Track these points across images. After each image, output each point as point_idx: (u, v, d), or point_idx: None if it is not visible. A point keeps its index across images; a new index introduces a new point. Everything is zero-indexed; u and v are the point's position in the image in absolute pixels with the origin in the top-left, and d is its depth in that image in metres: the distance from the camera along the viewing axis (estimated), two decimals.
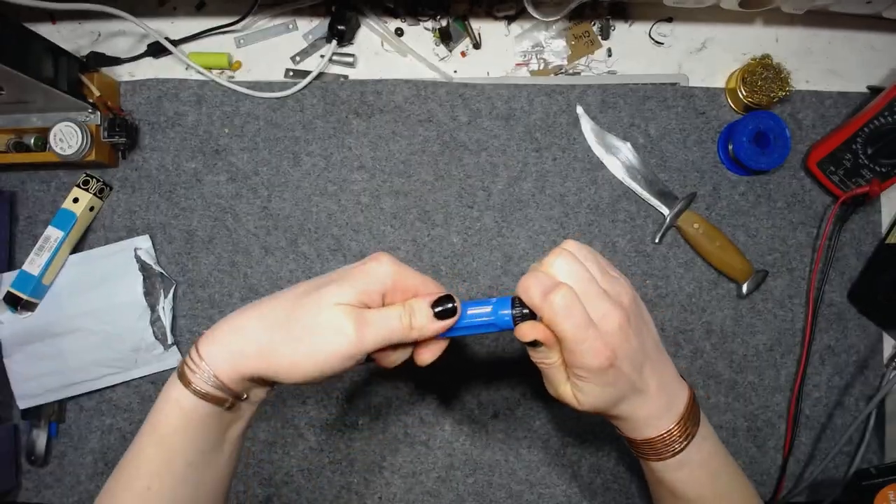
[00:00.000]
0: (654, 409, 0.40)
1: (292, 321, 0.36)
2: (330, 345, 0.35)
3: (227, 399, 0.37)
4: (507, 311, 0.39)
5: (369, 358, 0.38)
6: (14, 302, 0.60)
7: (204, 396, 0.36)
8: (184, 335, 0.63)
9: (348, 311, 0.36)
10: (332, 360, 0.36)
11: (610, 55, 0.67)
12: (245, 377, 0.37)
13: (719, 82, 0.67)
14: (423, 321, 0.38)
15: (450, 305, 0.38)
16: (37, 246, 0.60)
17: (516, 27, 0.67)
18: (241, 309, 0.38)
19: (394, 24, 0.66)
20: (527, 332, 0.38)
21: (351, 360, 0.36)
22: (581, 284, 0.37)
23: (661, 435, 0.40)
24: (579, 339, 0.36)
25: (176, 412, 0.36)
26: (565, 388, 0.40)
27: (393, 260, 0.38)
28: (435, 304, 0.38)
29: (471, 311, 0.40)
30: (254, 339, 0.36)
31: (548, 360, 0.39)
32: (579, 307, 0.36)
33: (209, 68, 0.65)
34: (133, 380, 0.63)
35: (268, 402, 0.63)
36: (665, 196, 0.64)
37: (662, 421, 0.40)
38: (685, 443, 0.40)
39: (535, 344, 0.38)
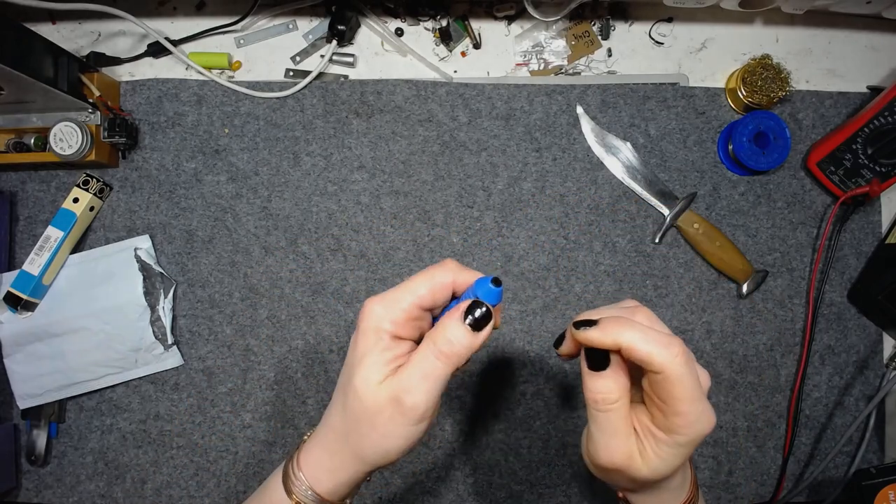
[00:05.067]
0: (679, 480, 0.37)
1: (355, 434, 0.35)
2: (396, 437, 0.34)
3: None
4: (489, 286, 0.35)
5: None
6: (14, 302, 0.60)
7: None
8: (184, 335, 0.63)
9: (387, 398, 0.33)
10: (411, 440, 0.35)
11: (610, 55, 0.67)
12: (349, 485, 0.37)
13: (719, 82, 0.67)
14: (465, 340, 0.33)
15: (480, 311, 0.33)
16: (37, 246, 0.60)
17: (516, 27, 0.67)
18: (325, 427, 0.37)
19: (394, 24, 0.66)
20: (610, 336, 0.32)
21: (425, 422, 0.35)
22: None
23: None
24: (697, 399, 0.32)
25: None
26: (626, 445, 0.33)
27: (381, 300, 0.34)
28: (466, 315, 0.33)
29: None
30: (338, 457, 0.36)
31: (612, 397, 0.33)
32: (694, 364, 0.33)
33: (209, 68, 0.65)
34: (133, 380, 0.63)
35: (268, 402, 0.63)
36: (665, 196, 0.64)
37: (679, 494, 0.37)
38: None
39: (601, 365, 0.33)
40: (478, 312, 0.33)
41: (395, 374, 0.33)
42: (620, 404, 0.33)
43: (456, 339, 0.33)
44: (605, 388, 0.33)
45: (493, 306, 0.34)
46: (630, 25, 0.67)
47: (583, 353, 0.34)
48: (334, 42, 0.63)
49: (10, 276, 0.61)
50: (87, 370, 0.62)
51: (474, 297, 0.34)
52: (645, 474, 0.33)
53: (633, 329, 0.32)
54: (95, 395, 0.63)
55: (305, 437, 0.38)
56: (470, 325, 0.33)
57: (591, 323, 0.33)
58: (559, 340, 0.38)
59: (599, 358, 0.33)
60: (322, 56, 0.64)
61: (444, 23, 0.66)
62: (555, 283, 0.64)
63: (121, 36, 0.66)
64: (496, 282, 0.34)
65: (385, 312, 0.34)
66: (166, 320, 0.62)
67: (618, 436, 0.33)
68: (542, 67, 0.67)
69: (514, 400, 0.63)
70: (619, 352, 0.33)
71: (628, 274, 0.64)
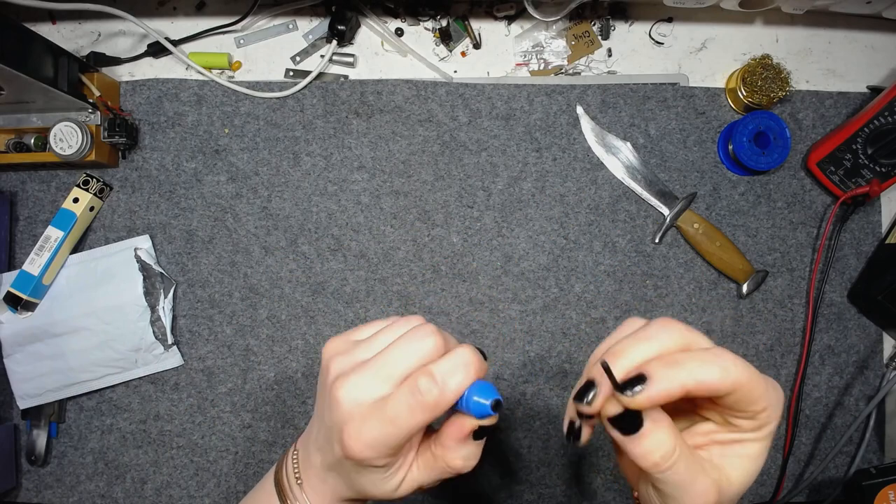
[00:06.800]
0: None
1: (356, 485, 0.35)
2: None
3: None
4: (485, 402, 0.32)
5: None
6: (14, 302, 0.60)
7: None
8: (184, 335, 0.63)
9: (405, 492, 0.35)
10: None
11: (610, 55, 0.67)
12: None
13: (719, 82, 0.67)
14: (476, 452, 0.34)
15: (484, 429, 0.33)
16: (37, 246, 0.60)
17: (516, 27, 0.67)
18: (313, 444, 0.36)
19: (394, 24, 0.66)
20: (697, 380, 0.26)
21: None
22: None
23: None
24: (764, 382, 0.28)
25: None
26: (710, 478, 0.28)
27: (369, 446, 0.31)
28: (476, 435, 0.34)
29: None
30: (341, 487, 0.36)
31: (668, 448, 0.27)
32: None
33: (209, 68, 0.65)
34: (133, 380, 0.63)
35: (268, 401, 0.63)
36: (665, 196, 0.64)
37: None
38: None
39: (636, 423, 0.27)
40: (483, 432, 0.33)
41: (408, 479, 0.34)
42: (681, 449, 0.27)
43: (468, 457, 0.34)
44: (656, 443, 0.27)
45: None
46: (630, 25, 0.67)
47: (607, 422, 0.28)
48: (334, 42, 0.63)
49: (10, 276, 0.61)
50: (87, 370, 0.62)
51: (467, 408, 0.32)
52: (739, 488, 0.29)
53: (686, 365, 0.27)
54: (95, 395, 0.63)
55: (296, 451, 0.38)
56: (476, 439, 0.34)
57: (638, 381, 0.26)
58: (571, 430, 0.31)
59: (632, 418, 0.27)
60: (322, 56, 0.64)
61: (444, 23, 0.66)
62: (555, 283, 0.64)
63: (121, 36, 0.66)
64: (496, 406, 0.31)
65: (378, 455, 0.32)
66: (166, 320, 0.62)
67: (698, 477, 0.28)
68: (542, 67, 0.67)
69: (514, 400, 0.63)
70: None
71: (628, 274, 0.64)
